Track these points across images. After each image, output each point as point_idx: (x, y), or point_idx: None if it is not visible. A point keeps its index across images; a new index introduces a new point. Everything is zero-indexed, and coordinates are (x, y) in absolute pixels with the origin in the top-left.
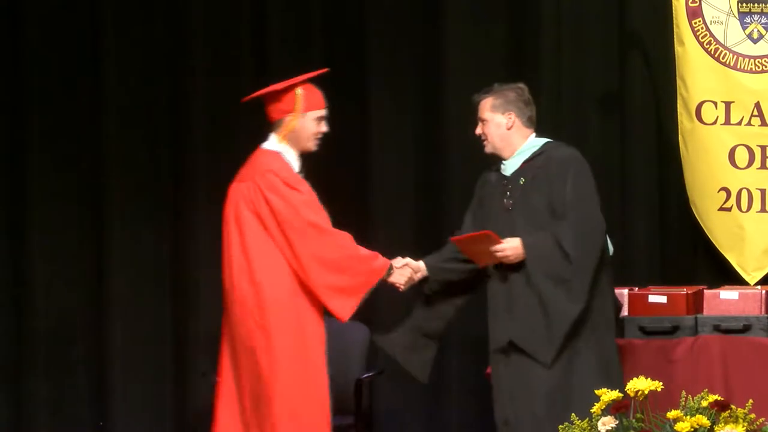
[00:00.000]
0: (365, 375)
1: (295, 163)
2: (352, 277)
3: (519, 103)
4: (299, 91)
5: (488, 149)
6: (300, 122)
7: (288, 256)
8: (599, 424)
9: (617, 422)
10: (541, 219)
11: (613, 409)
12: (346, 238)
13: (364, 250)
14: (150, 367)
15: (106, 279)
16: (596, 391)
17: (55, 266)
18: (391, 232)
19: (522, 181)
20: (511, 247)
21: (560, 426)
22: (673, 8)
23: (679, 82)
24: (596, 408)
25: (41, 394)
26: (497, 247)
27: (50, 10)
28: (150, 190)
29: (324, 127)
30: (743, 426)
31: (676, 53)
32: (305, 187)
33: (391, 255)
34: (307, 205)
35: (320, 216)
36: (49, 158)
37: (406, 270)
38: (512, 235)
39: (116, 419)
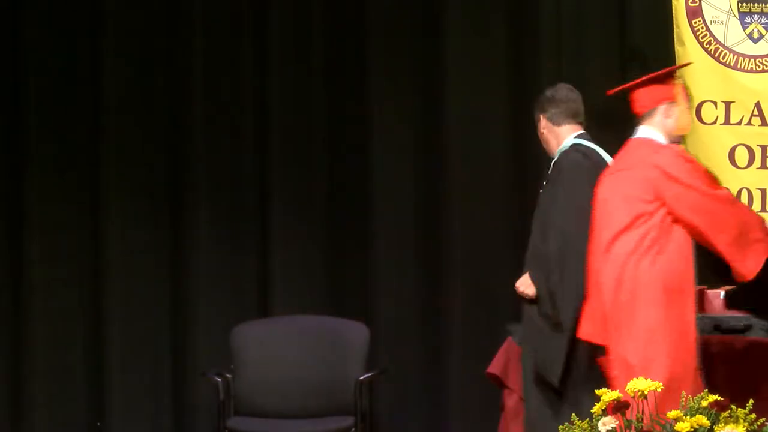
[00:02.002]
0: (365, 375)
1: None
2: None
3: (544, 103)
4: (680, 81)
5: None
6: (679, 111)
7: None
8: (599, 424)
9: (617, 422)
10: (542, 221)
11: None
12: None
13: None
14: (149, 367)
15: (105, 279)
16: (597, 391)
17: (54, 266)
18: (391, 231)
19: (545, 182)
20: (522, 283)
21: (560, 426)
22: (673, 8)
23: None
24: (596, 408)
25: (40, 394)
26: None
27: (49, 9)
28: (149, 190)
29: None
30: (743, 426)
31: (676, 53)
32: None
33: (390, 254)
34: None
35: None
36: (48, 158)
37: None
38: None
39: (115, 419)
